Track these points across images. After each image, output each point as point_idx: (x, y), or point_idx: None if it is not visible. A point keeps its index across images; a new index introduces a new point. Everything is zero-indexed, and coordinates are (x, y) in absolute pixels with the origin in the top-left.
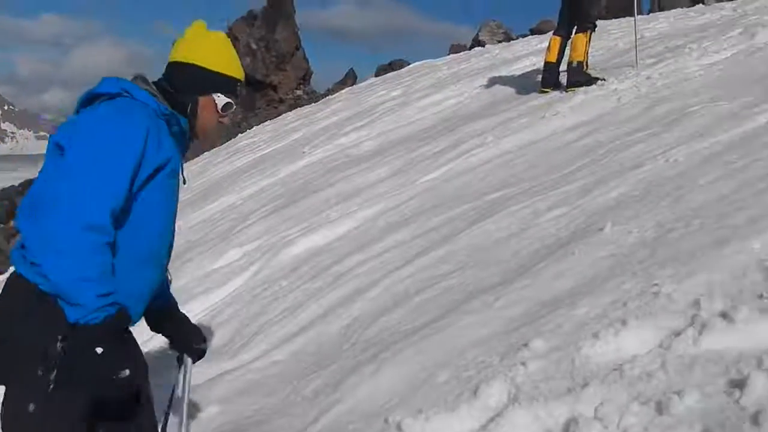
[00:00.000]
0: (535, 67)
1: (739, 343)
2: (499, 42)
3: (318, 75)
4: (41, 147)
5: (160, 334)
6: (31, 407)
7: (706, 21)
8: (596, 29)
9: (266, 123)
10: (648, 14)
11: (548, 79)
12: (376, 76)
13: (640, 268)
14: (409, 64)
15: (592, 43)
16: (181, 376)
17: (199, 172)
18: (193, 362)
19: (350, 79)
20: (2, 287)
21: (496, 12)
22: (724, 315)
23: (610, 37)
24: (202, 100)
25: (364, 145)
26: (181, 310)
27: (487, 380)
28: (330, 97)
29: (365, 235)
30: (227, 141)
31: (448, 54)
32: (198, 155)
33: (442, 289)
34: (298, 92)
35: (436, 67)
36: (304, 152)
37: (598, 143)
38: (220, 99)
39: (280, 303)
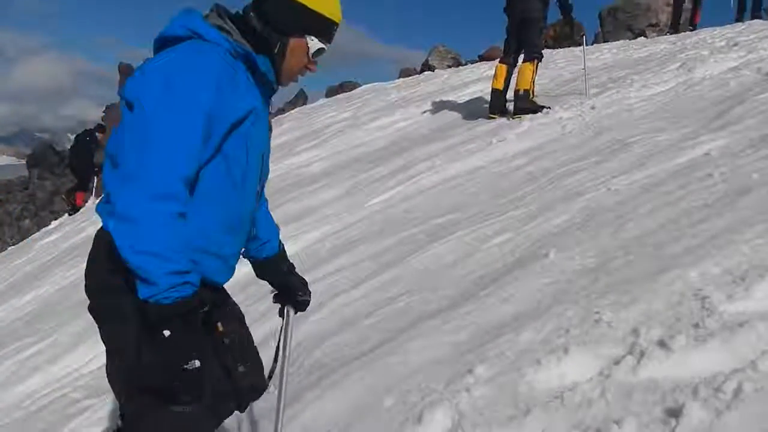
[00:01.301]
0: (482, 93)
1: (675, 372)
2: (449, 67)
3: None
4: None
5: (265, 281)
6: (146, 360)
7: (648, 54)
8: (542, 59)
9: None
10: (592, 45)
11: (495, 105)
12: (327, 97)
13: (582, 296)
14: (359, 86)
15: (538, 72)
16: (282, 327)
17: None
18: (295, 313)
19: (301, 99)
20: (95, 239)
21: (446, 37)
22: (661, 343)
23: (556, 66)
24: (294, 41)
25: (314, 165)
26: (287, 258)
27: (432, 406)
28: (280, 116)
29: (313, 256)
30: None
31: (398, 77)
32: None
33: (389, 312)
34: None
35: (386, 91)
36: None
37: (543, 170)
38: (314, 43)
39: None
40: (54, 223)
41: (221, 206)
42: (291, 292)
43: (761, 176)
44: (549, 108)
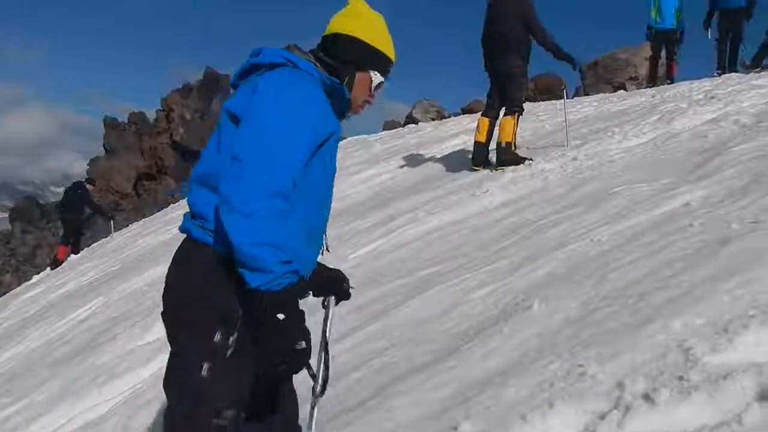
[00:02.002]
0: (465, 146)
1: (660, 426)
2: (432, 120)
3: None
4: None
5: None
6: (205, 371)
7: (628, 106)
8: (524, 112)
9: None
10: (573, 98)
11: (478, 157)
12: None
13: (566, 348)
14: (343, 138)
15: (520, 125)
16: (325, 320)
17: (127, 243)
18: (336, 303)
19: None
20: (179, 251)
21: (429, 90)
22: (646, 397)
23: (537, 119)
24: (359, 75)
25: None
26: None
27: None
28: None
29: None
30: (159, 210)
31: (382, 130)
32: None
33: (374, 367)
34: None
35: (369, 143)
36: None
37: (526, 221)
38: (376, 77)
39: None
40: (35, 278)
41: (297, 215)
42: (333, 284)
43: (740, 226)
44: (531, 160)
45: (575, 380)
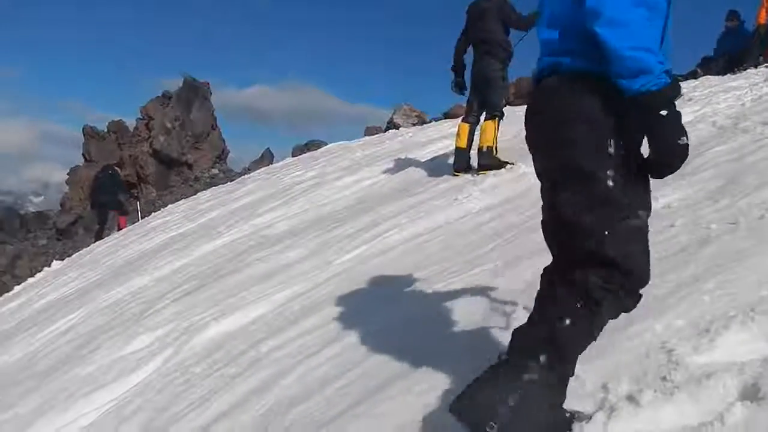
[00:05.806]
0: (447, 150)
1: (644, 427)
2: (413, 125)
3: (235, 154)
4: None
5: None
6: (610, 180)
7: None
8: (504, 116)
9: (181, 202)
10: None
11: (460, 162)
12: (293, 156)
13: None
14: (325, 144)
15: (500, 129)
16: None
17: (108, 252)
18: None
19: (267, 158)
20: (549, 92)
21: (410, 95)
22: (630, 398)
23: (519, 122)
24: None
25: (279, 225)
26: None
27: None
28: (246, 176)
29: (280, 318)
30: (141, 219)
31: (364, 136)
32: None
33: (359, 374)
34: (214, 171)
35: (351, 149)
36: (219, 232)
37: (509, 225)
38: None
39: (193, 391)
40: (16, 288)
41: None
42: None
43: (719, 226)
44: (513, 164)
45: None
